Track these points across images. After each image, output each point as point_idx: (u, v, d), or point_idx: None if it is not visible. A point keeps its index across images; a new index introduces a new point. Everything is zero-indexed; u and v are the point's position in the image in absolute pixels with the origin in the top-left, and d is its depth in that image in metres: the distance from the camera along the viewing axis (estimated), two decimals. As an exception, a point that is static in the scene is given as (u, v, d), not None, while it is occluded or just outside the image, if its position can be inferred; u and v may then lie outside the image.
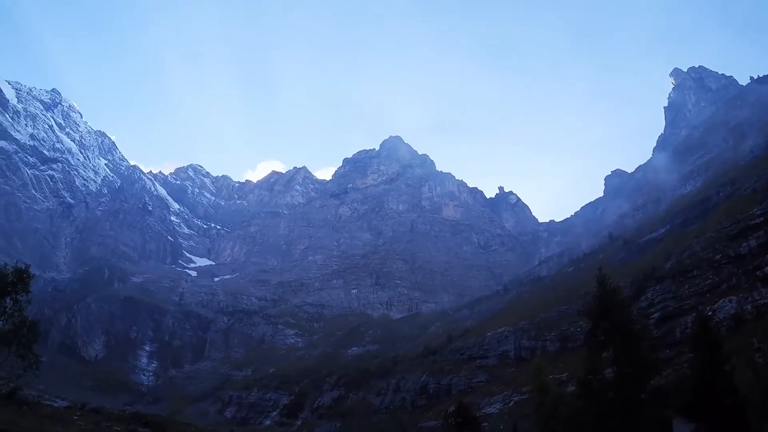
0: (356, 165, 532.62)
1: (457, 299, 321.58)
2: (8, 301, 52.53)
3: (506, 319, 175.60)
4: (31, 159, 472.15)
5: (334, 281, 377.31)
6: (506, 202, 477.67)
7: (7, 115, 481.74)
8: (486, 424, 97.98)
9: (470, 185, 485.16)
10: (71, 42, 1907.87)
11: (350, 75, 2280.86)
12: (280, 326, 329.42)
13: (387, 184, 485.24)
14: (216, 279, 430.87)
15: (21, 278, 53.46)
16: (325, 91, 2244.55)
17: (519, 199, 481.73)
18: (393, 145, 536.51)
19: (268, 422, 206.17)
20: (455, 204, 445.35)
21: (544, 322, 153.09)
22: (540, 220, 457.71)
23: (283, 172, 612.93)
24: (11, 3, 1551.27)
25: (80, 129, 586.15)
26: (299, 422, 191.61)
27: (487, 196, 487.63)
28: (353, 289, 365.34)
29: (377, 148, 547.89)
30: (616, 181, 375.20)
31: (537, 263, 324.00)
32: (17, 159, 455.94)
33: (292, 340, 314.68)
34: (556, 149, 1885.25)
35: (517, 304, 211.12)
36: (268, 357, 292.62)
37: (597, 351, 55.08)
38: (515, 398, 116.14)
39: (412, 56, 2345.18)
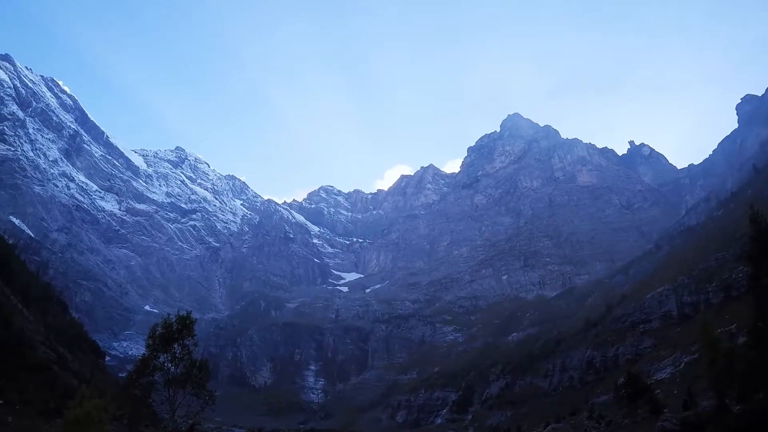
0: (481, 151, 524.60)
1: (610, 266, 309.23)
2: (176, 347, 55.52)
3: (663, 278, 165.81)
4: (171, 215, 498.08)
5: (483, 271, 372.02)
6: (640, 155, 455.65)
7: (141, 181, 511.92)
8: (658, 391, 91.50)
9: (599, 146, 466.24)
10: (184, 99, 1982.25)
11: (454, 63, 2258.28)
12: (437, 325, 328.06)
13: (516, 163, 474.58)
14: (367, 290, 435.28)
15: (185, 324, 56.27)
16: (433, 85, 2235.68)
17: (652, 150, 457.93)
18: (513, 123, 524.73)
19: (439, 421, 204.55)
20: (588, 169, 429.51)
21: (704, 274, 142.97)
22: (678, 167, 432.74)
23: (412, 174, 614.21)
24: (120, 79, 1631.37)
25: (210, 177, 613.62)
26: (470, 416, 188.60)
27: (619, 154, 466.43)
28: (503, 275, 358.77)
29: (498, 130, 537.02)
30: (748, 107, 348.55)
31: (684, 213, 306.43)
32: (159, 217, 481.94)
33: (451, 337, 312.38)
34: (677, 88, 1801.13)
35: (672, 260, 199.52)
36: (431, 357, 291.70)
37: (764, 295, 49.79)
38: (685, 359, 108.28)
39: (510, 30, 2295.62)
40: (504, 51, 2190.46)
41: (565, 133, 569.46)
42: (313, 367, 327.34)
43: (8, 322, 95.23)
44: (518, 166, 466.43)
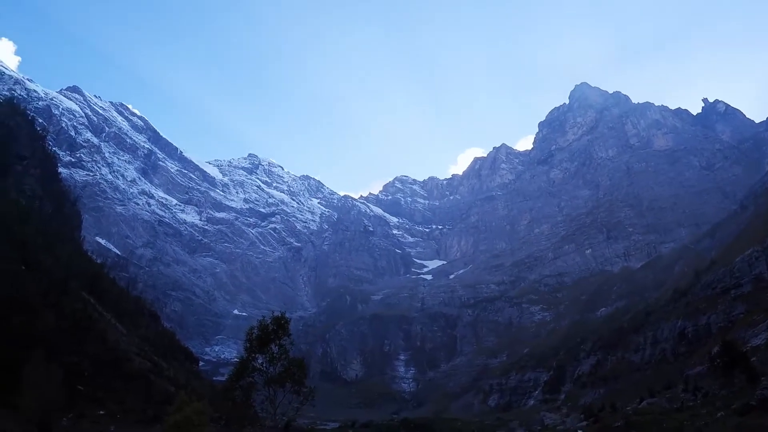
0: (552, 125, 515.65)
1: (695, 231, 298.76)
2: (273, 347, 56.61)
3: (752, 239, 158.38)
4: (251, 220, 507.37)
5: (566, 246, 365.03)
6: (715, 112, 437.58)
7: (218, 191, 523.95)
8: (754, 358, 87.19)
9: (672, 108, 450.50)
10: (252, 107, 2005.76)
11: (515, 39, 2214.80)
12: (524, 305, 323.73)
13: (589, 134, 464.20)
14: (451, 276, 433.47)
15: (280, 325, 57.09)
16: (496, 64, 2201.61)
17: (728, 106, 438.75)
18: (582, 93, 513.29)
19: (531, 402, 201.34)
20: (664, 132, 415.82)
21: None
22: (757, 121, 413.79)
23: (485, 155, 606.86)
24: (187, 95, 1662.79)
25: (285, 180, 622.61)
26: (562, 396, 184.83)
27: (694, 114, 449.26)
28: (587, 249, 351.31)
29: (567, 102, 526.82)
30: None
31: None
32: (239, 224, 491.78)
33: (538, 316, 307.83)
34: (749, 38, 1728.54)
35: (759, 220, 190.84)
36: (519, 338, 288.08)
37: None
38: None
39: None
40: (565, 19, 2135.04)
41: (636, 98, 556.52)
42: (402, 357, 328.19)
43: (104, 337, 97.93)
44: (592, 137, 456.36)
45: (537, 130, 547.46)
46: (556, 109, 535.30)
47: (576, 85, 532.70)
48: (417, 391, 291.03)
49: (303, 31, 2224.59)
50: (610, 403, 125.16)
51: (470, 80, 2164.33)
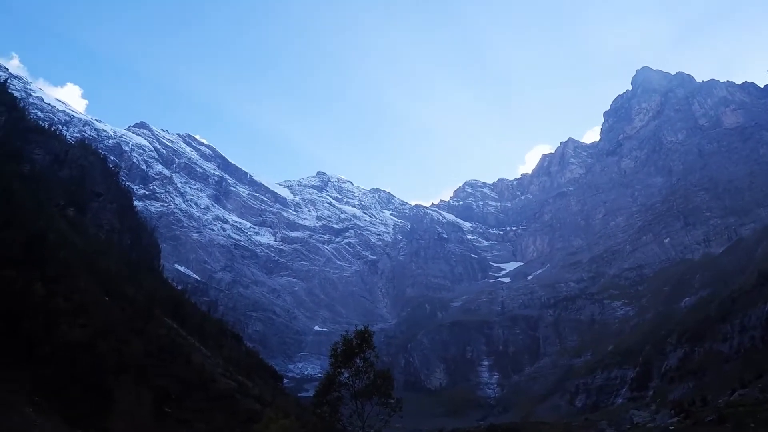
0: (618, 114, 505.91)
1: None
2: (358, 361, 57.21)
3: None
4: (325, 236, 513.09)
5: (644, 237, 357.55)
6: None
7: (290, 210, 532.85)
8: None
9: (738, 82, 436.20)
10: (315, 125, 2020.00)
11: (570, 29, 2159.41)
12: (605, 302, 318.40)
13: (655, 119, 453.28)
14: (529, 277, 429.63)
15: (364, 338, 57.74)
16: (553, 57, 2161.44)
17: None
18: (644, 78, 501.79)
19: (619, 401, 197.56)
20: (732, 108, 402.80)
21: None
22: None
23: (552, 151, 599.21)
24: (251, 120, 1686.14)
25: (355, 194, 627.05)
26: (650, 392, 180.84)
27: (761, 86, 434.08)
28: (665, 238, 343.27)
29: (630, 88, 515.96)
30: None
31: None
32: (314, 241, 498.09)
33: (621, 312, 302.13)
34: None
35: None
36: (603, 335, 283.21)
37: None
38: None
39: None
40: (619, 3, 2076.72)
41: (700, 76, 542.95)
42: (485, 363, 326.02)
43: (189, 360, 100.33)
44: (659, 122, 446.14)
45: (602, 120, 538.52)
46: (620, 96, 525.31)
47: (637, 70, 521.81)
48: (502, 396, 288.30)
49: (355, 40, 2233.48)
50: (700, 397, 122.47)
51: (529, 76, 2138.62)
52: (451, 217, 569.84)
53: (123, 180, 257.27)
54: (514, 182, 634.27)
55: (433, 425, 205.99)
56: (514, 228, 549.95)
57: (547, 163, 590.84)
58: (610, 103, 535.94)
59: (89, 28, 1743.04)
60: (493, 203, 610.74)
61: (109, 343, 71.63)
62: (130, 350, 79.06)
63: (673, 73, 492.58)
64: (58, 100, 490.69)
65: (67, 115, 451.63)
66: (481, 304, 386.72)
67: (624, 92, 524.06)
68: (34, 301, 62.26)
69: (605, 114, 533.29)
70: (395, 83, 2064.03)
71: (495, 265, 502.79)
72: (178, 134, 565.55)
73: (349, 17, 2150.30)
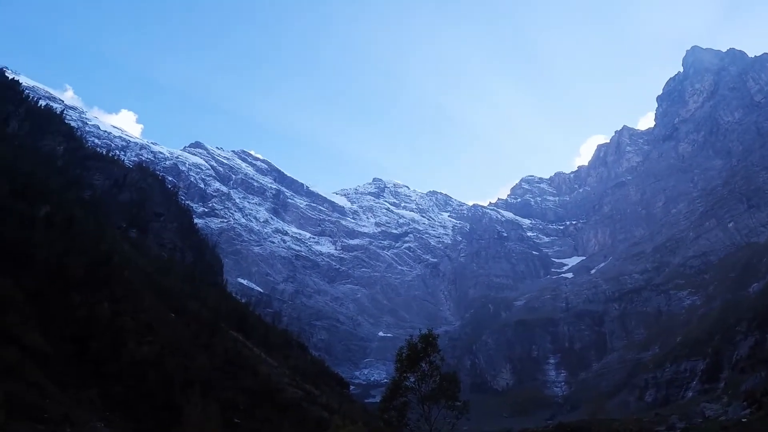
0: (671, 97, 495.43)
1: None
2: (424, 365, 57.61)
3: None
4: (384, 242, 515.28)
5: (707, 223, 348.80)
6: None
7: (349, 219, 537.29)
8: None
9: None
10: (366, 132, 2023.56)
11: (616, 14, 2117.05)
12: (671, 292, 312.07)
13: (710, 99, 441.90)
14: (592, 271, 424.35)
15: (429, 342, 58.15)
16: (601, 45, 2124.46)
17: None
18: (695, 58, 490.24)
19: (690, 394, 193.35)
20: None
21: None
22: None
23: (607, 141, 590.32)
24: (302, 130, 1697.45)
25: (412, 198, 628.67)
26: (722, 384, 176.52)
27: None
28: (729, 222, 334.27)
29: (681, 70, 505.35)
30: None
31: None
32: (374, 248, 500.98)
33: (687, 301, 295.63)
34: None
35: None
36: (670, 327, 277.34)
37: None
38: None
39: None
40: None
41: (752, 51, 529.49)
42: (552, 361, 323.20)
43: (255, 371, 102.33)
44: (714, 102, 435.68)
45: (656, 105, 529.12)
46: (672, 79, 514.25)
47: (687, 51, 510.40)
48: (570, 394, 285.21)
49: (403, 44, 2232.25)
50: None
51: (578, 67, 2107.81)
52: (509, 214, 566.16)
53: (182, 199, 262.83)
54: (571, 175, 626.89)
55: (500, 426, 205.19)
56: (573, 222, 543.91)
57: (603, 154, 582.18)
58: (663, 86, 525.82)
59: (139, 56, 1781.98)
60: (551, 198, 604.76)
61: (176, 359, 73.88)
62: (197, 364, 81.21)
63: (724, 50, 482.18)
64: (114, 127, 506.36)
65: (124, 140, 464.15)
66: (545, 302, 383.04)
67: (675, 74, 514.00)
68: (101, 321, 64.57)
69: (658, 98, 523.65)
70: (445, 84, 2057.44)
71: (557, 261, 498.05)
72: (233, 151, 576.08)
73: (396, 21, 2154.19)
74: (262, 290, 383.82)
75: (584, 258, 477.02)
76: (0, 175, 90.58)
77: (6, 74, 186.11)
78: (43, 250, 70.56)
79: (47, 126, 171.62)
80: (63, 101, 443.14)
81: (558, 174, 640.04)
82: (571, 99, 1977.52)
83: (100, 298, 71.38)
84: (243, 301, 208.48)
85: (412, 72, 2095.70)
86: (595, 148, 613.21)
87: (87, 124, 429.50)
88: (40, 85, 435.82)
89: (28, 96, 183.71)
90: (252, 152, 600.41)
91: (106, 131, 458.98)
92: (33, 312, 54.70)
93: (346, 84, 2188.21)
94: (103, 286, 77.02)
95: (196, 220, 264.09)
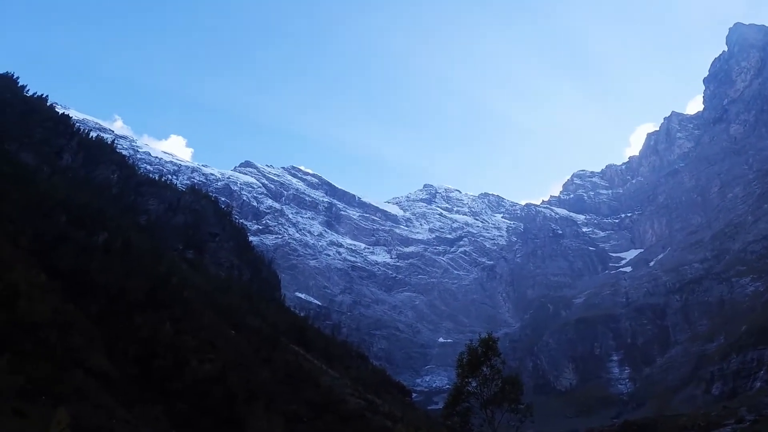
0: (717, 78, 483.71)
1: None
2: (485, 369, 58.24)
3: None
4: (439, 248, 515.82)
5: (765, 205, 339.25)
6: None
7: (402, 227, 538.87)
8: None
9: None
10: (415, 139, 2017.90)
11: None
12: (733, 279, 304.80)
13: (758, 76, 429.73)
14: (651, 264, 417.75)
15: (489, 346, 59.08)
16: (640, 31, 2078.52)
17: None
18: (739, 35, 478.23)
19: (758, 384, 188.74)
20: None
21: None
22: None
23: (657, 128, 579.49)
24: (350, 142, 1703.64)
25: (464, 202, 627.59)
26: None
27: None
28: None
29: (726, 48, 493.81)
30: None
31: None
32: (429, 254, 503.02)
33: (750, 288, 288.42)
34: None
35: None
36: (734, 316, 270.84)
37: None
38: None
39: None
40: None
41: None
42: (615, 357, 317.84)
43: (317, 383, 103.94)
44: (762, 79, 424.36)
45: (703, 87, 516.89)
46: (717, 59, 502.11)
47: (730, 28, 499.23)
48: (635, 391, 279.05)
49: (445, 46, 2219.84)
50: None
51: (621, 57, 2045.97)
52: (563, 211, 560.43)
53: (236, 218, 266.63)
54: (623, 167, 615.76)
55: (565, 427, 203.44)
56: (629, 214, 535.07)
57: (653, 142, 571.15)
58: (708, 68, 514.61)
59: (183, 82, 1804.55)
60: (604, 191, 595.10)
61: (238, 374, 75.49)
62: (260, 379, 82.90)
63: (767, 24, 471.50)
64: (165, 152, 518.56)
65: (175, 164, 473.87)
66: (605, 298, 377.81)
67: (720, 54, 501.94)
68: (163, 341, 66.43)
69: (705, 80, 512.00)
70: (488, 84, 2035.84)
71: (614, 255, 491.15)
72: (283, 167, 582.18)
73: (436, 25, 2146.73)
74: (320, 303, 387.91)
75: (642, 250, 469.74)
76: (57, 206, 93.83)
77: (56, 109, 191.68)
78: (104, 276, 72.91)
79: (100, 156, 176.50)
80: (113, 131, 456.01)
81: (609, 166, 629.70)
82: (616, 89, 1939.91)
83: (162, 318, 73.42)
84: (302, 314, 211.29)
85: (454, 75, 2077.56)
86: (645, 137, 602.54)
87: (138, 151, 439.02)
88: (90, 118, 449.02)
89: (79, 129, 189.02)
90: (302, 167, 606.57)
91: (157, 157, 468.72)
92: (97, 335, 56.70)
93: (389, 92, 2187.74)
94: (163, 306, 79.16)
95: (251, 238, 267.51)
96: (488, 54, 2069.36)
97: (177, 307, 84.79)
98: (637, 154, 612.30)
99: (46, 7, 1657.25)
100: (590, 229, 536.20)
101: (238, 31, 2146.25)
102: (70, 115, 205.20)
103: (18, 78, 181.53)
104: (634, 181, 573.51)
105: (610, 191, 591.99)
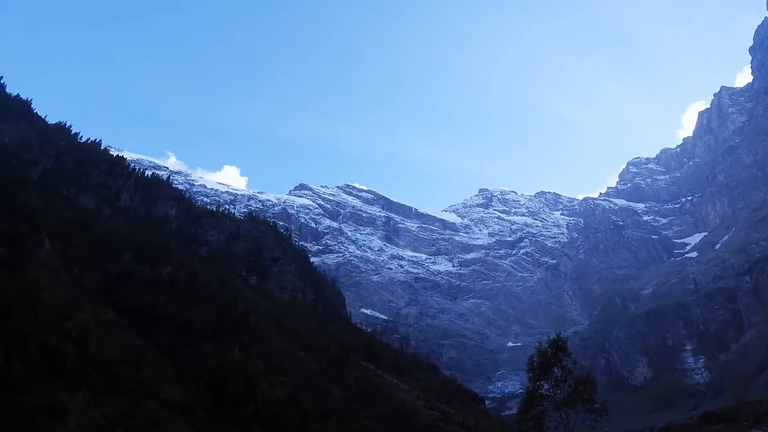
0: (763, 46, 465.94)
1: None
2: (556, 371, 58.12)
3: None
4: (501, 251, 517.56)
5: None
6: None
7: (462, 234, 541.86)
8: None
9: None
10: (467, 145, 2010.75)
11: None
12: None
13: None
14: (717, 246, 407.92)
15: (558, 347, 58.83)
16: (675, 9, 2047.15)
17: None
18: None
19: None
20: None
21: None
22: None
23: (708, 106, 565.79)
24: (402, 153, 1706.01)
25: (521, 203, 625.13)
26: None
27: None
28: None
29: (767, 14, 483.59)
30: None
31: None
32: (491, 259, 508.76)
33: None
34: None
35: None
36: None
37: None
38: None
39: None
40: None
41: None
42: (688, 347, 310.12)
43: (389, 397, 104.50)
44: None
45: (750, 57, 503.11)
46: (761, 26, 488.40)
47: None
48: (712, 380, 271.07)
49: (486, 46, 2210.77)
50: None
51: (659, 35, 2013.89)
52: (622, 202, 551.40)
53: (296, 241, 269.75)
54: (678, 149, 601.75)
55: (642, 423, 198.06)
56: (689, 198, 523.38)
57: (706, 120, 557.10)
58: (752, 36, 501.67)
59: (231, 112, 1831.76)
60: (662, 177, 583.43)
61: (309, 395, 76.33)
62: (331, 398, 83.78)
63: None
64: (220, 183, 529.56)
65: (231, 194, 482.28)
66: (673, 286, 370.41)
67: (763, 21, 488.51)
68: (233, 367, 67.64)
69: (751, 50, 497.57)
70: (535, 82, 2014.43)
71: (678, 241, 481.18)
72: (338, 186, 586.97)
73: (478, 26, 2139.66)
74: (386, 317, 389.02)
75: (706, 233, 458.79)
76: (120, 245, 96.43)
77: (110, 152, 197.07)
78: (171, 308, 74.81)
79: (157, 193, 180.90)
80: (168, 168, 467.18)
81: (664, 150, 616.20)
82: (661, 70, 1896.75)
83: (230, 345, 74.88)
84: (369, 330, 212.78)
85: (496, 76, 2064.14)
86: (697, 116, 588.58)
87: (194, 185, 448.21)
88: (144, 157, 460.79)
89: (134, 169, 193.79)
90: (356, 185, 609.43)
91: (213, 189, 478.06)
92: (168, 366, 58.04)
93: (433, 100, 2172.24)
94: (231, 333, 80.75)
95: (312, 259, 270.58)
96: (529, 50, 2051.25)
97: (244, 332, 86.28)
98: (690, 134, 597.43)
99: (86, 55, 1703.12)
100: (651, 217, 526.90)
101: (276, 53, 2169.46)
102: (125, 157, 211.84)
103: (71, 126, 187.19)
104: (690, 163, 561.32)
105: (667, 176, 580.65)
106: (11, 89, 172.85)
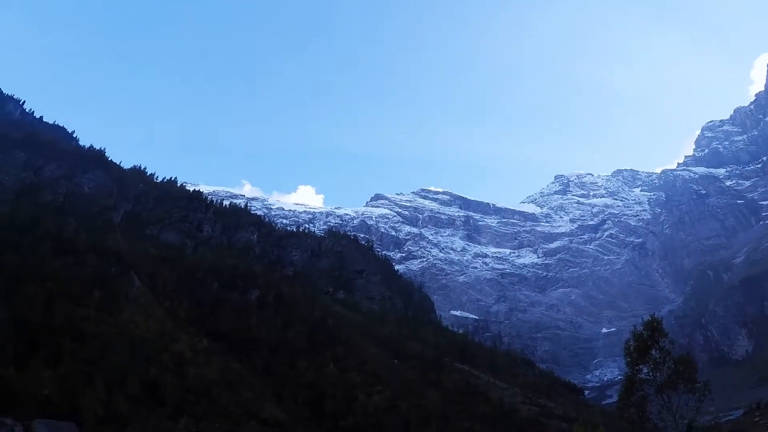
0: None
1: None
2: (654, 353, 55.91)
3: None
4: (584, 236, 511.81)
5: None
6: None
7: (543, 223, 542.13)
8: None
9: None
10: (541, 131, 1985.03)
11: None
12: None
13: None
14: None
15: (654, 329, 56.54)
16: None
17: None
18: None
19: None
20: None
21: None
22: None
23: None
24: (470, 149, 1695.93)
25: (599, 184, 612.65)
26: None
27: None
28: None
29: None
30: None
31: None
32: (575, 245, 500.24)
33: None
34: None
35: None
36: None
37: None
38: None
39: None
40: None
41: None
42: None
43: (487, 397, 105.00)
44: None
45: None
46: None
47: None
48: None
49: (534, 30, 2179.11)
50: None
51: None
52: (701, 169, 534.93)
53: (378, 251, 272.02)
54: (752, 107, 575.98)
55: (749, 399, 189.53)
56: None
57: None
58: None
59: (299, 132, 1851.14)
60: (739, 137, 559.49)
61: (408, 401, 77.08)
62: (430, 401, 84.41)
63: None
64: (297, 204, 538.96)
65: (309, 213, 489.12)
66: (766, 251, 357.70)
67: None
68: (330, 381, 68.93)
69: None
70: (593, 59, 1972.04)
71: (765, 203, 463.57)
72: (413, 192, 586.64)
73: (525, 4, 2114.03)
74: (476, 317, 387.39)
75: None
76: (207, 274, 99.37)
77: (187, 188, 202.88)
78: (263, 330, 76.78)
79: (236, 221, 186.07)
80: (244, 195, 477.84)
81: (738, 110, 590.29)
82: (722, 25, 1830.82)
83: (325, 360, 76.43)
84: (460, 332, 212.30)
85: (554, 58, 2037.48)
86: (767, 68, 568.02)
87: (271, 209, 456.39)
88: (220, 188, 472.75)
89: (212, 201, 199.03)
90: (431, 188, 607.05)
91: (291, 210, 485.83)
92: (265, 386, 59.55)
93: (497, 92, 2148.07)
94: (324, 349, 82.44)
95: (396, 267, 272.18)
96: (579, 26, 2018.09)
97: (337, 346, 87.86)
98: (762, 89, 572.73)
99: (148, 94, 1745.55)
100: (734, 181, 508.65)
101: (329, 70, 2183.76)
102: (201, 190, 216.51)
103: (145, 168, 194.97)
104: (766, 119, 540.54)
105: (744, 136, 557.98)
106: (84, 141, 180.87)
